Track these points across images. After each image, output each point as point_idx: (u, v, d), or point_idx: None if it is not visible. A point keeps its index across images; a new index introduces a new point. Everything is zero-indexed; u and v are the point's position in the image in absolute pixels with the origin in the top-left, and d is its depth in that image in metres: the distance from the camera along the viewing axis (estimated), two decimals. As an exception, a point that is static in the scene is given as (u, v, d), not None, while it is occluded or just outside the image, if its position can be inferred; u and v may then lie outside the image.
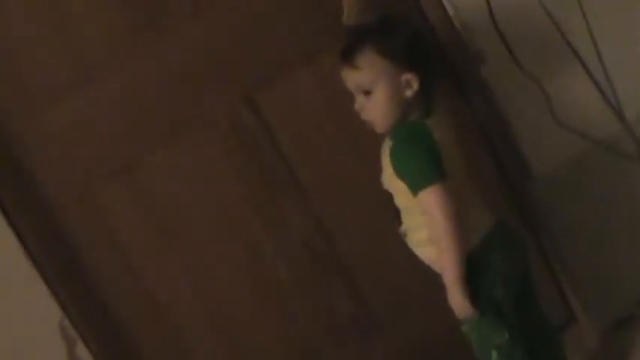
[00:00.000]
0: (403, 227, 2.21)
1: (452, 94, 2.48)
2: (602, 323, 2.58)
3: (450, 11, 2.45)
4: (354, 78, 2.15)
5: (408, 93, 2.13)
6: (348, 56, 2.16)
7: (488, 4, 2.42)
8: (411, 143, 2.12)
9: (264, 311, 2.57)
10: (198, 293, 2.54)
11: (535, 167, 2.51)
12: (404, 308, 2.52)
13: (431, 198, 2.08)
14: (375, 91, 2.14)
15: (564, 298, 2.64)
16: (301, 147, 2.51)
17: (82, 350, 2.44)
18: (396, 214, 2.21)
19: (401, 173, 2.13)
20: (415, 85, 2.12)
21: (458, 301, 2.12)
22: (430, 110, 2.16)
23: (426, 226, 2.13)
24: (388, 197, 2.21)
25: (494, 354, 2.20)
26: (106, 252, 2.49)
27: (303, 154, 2.51)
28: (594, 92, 2.47)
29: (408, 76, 2.13)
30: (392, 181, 2.16)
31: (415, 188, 2.10)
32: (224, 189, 2.50)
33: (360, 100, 2.17)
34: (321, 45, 2.43)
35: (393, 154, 2.14)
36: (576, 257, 2.55)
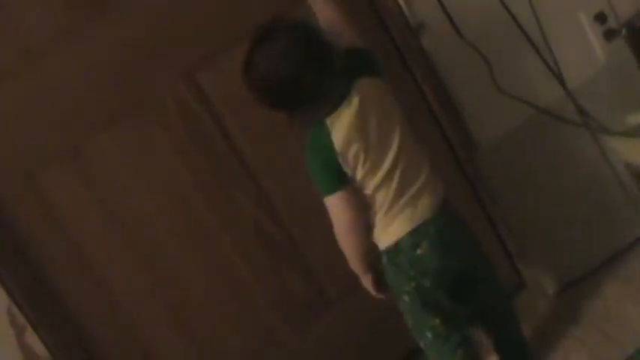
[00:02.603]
0: None
1: (393, 67, 2.42)
2: (551, 289, 2.55)
3: (392, -18, 2.38)
4: None
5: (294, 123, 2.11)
6: None
7: (429, -26, 2.36)
8: (312, 154, 2.09)
9: (220, 297, 2.52)
10: (151, 280, 2.47)
11: (479, 136, 2.45)
12: (355, 287, 2.48)
13: (328, 207, 2.11)
14: None
15: (513, 265, 2.61)
16: (247, 128, 2.43)
17: (31, 336, 2.37)
18: None
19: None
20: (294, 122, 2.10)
21: (368, 289, 2.21)
22: (338, 102, 2.05)
23: None
24: None
25: (429, 335, 2.17)
26: (53, 238, 2.42)
27: (249, 135, 2.44)
28: (536, 60, 2.41)
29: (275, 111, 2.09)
30: None
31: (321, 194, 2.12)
32: (171, 173, 2.43)
33: None
34: (261, 20, 2.36)
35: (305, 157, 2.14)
36: (524, 223, 2.51)
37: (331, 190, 2.08)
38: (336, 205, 2.09)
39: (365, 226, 2.11)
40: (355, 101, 2.05)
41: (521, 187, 2.48)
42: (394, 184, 2.08)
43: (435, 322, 2.15)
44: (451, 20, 2.38)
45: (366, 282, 2.20)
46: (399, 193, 2.09)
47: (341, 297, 2.55)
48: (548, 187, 2.49)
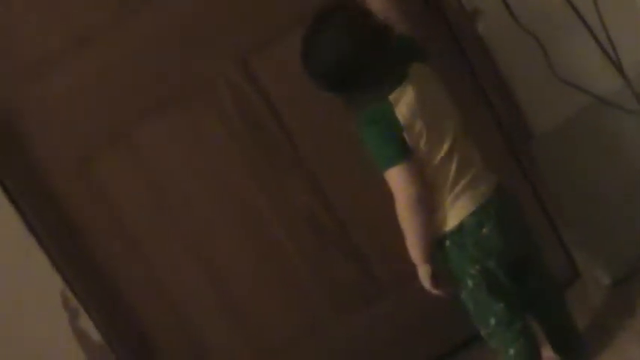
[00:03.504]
0: None
1: (449, 53, 2.38)
2: (606, 280, 2.48)
3: (446, -32, 2.33)
4: None
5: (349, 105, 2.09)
6: None
7: (485, -40, 2.31)
8: (373, 124, 2.06)
9: (269, 284, 2.50)
10: (201, 267, 2.46)
11: (535, 124, 2.40)
12: (407, 276, 2.45)
13: (394, 180, 2.06)
14: None
15: (568, 255, 2.55)
16: (301, 114, 2.40)
17: (85, 321, 2.37)
18: None
19: (368, 152, 2.08)
20: (341, 100, 2.08)
21: (421, 279, 2.14)
22: (400, 80, 2.05)
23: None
24: None
25: (492, 320, 2.15)
26: (106, 222, 2.42)
27: (302, 121, 2.41)
28: (594, 47, 2.35)
29: (326, 93, 2.07)
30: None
31: (380, 169, 2.07)
32: (223, 159, 2.41)
33: None
34: (316, 7, 2.32)
35: (360, 133, 2.09)
36: (579, 214, 2.44)
37: (397, 160, 2.03)
38: (402, 177, 2.04)
39: (431, 205, 2.07)
40: (415, 81, 2.05)
41: (577, 177, 2.42)
42: (454, 166, 2.07)
43: (499, 307, 2.14)
44: (507, 5, 2.32)
45: (425, 273, 2.12)
46: (459, 175, 2.08)
47: (393, 287, 2.51)
48: (605, 177, 2.42)
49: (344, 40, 2.02)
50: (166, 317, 2.48)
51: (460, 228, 2.09)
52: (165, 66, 2.35)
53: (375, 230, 2.47)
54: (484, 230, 2.10)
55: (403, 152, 2.03)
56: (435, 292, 2.14)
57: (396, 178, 2.04)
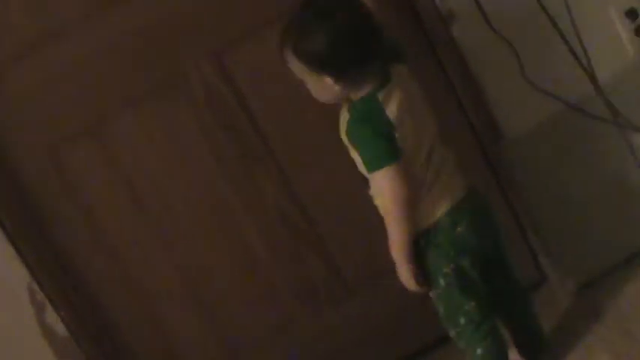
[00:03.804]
0: (371, 191, 2.13)
1: (422, 55, 2.38)
2: (573, 284, 2.49)
3: (422, -30, 2.33)
4: (290, 68, 2.08)
5: (336, 88, 2.03)
6: (280, 50, 2.06)
7: (461, -37, 2.31)
8: (362, 124, 2.04)
9: (240, 281, 2.48)
10: (172, 261, 2.44)
11: (506, 128, 2.40)
12: (376, 275, 2.46)
13: (382, 180, 2.04)
14: (305, 81, 2.07)
15: (535, 259, 2.56)
16: (274, 112, 2.39)
17: (51, 316, 2.33)
18: (363, 179, 2.13)
19: (356, 151, 2.06)
20: (336, 88, 2.02)
21: (404, 278, 2.13)
22: (387, 78, 2.04)
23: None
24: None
25: (462, 320, 2.16)
26: (74, 215, 2.39)
27: (275, 120, 2.40)
28: (566, 54, 2.35)
29: (327, 80, 2.02)
30: (350, 151, 2.10)
31: (368, 168, 2.06)
32: (195, 154, 2.39)
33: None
34: (291, 4, 2.30)
35: (348, 131, 2.07)
36: (548, 218, 2.46)
37: (390, 160, 2.01)
38: (393, 177, 2.02)
39: (416, 204, 2.07)
40: (400, 82, 2.05)
41: (546, 181, 2.43)
42: (432, 167, 2.08)
43: (470, 306, 2.15)
44: (481, 10, 2.33)
45: (407, 272, 2.11)
46: (436, 176, 2.09)
47: (362, 285, 2.51)
48: (573, 183, 2.43)
49: (350, 15, 2.00)
50: (135, 312, 2.45)
51: (436, 226, 2.10)
52: (139, 60, 2.33)
53: (345, 229, 2.47)
54: (458, 229, 2.11)
55: (394, 152, 2.01)
56: (417, 290, 2.14)
57: (387, 178, 2.03)
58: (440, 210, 2.10)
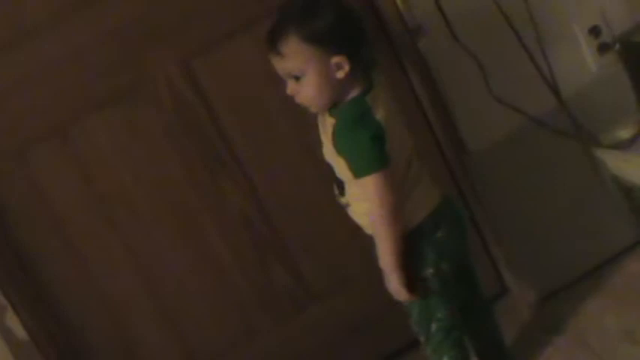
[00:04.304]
0: (345, 198, 2.10)
1: (389, 68, 2.37)
2: (533, 295, 2.51)
3: (390, -17, 2.33)
4: (281, 65, 2.00)
5: (340, 75, 1.98)
6: (272, 43, 1.99)
7: (429, -23, 2.32)
8: (354, 127, 1.98)
9: (202, 288, 2.46)
10: (134, 265, 2.41)
11: (471, 141, 2.41)
12: (340, 282, 2.45)
13: (371, 186, 1.98)
14: (304, 76, 1.98)
15: (497, 270, 2.56)
16: (240, 119, 2.38)
17: (11, 319, 2.29)
18: (338, 185, 2.10)
19: (343, 155, 2.00)
20: (346, 67, 1.97)
21: (394, 287, 2.07)
22: (370, 85, 2.02)
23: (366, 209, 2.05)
24: (329, 169, 2.09)
25: (433, 326, 2.14)
26: (38, 216, 2.35)
27: (241, 126, 2.38)
28: (531, 68, 2.38)
29: (336, 59, 1.97)
30: (333, 156, 2.03)
31: (356, 174, 2.00)
32: (160, 159, 2.37)
33: (290, 85, 2.01)
34: (260, 13, 2.27)
35: (335, 135, 2.00)
36: (510, 230, 2.47)
37: (381, 165, 1.96)
38: (383, 183, 1.97)
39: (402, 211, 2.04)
40: (382, 87, 2.03)
41: (510, 194, 2.44)
42: (412, 172, 2.06)
43: (443, 313, 2.13)
44: (448, 24, 2.35)
45: (398, 280, 2.06)
46: (416, 181, 2.07)
47: (325, 293, 2.50)
48: (536, 196, 2.45)
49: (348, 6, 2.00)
50: (97, 317, 2.42)
51: (418, 230, 2.07)
52: (107, 64, 2.31)
53: (309, 236, 2.46)
54: (439, 233, 2.09)
55: (384, 158, 1.97)
56: (407, 299, 2.09)
57: (377, 185, 1.98)
58: (421, 214, 2.07)
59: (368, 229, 2.10)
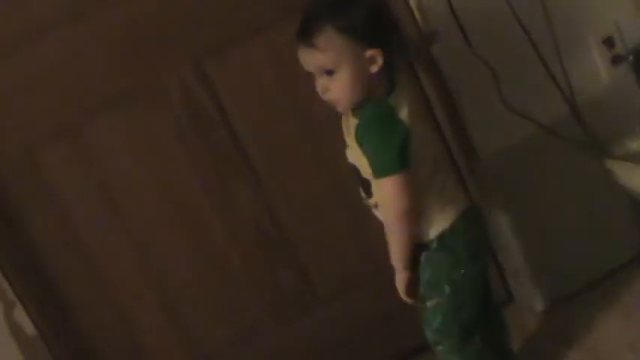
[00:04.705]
0: (373, 199, 2.07)
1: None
2: (540, 305, 2.50)
3: (405, -11, 2.32)
4: (314, 59, 1.96)
5: (374, 69, 1.96)
6: (306, 36, 1.95)
7: (444, -17, 2.30)
8: (378, 127, 1.97)
9: (209, 288, 2.45)
10: (142, 264, 2.41)
11: (482, 148, 2.40)
12: (347, 285, 2.45)
13: (388, 188, 1.97)
14: (339, 71, 1.95)
15: (503, 279, 2.56)
16: (251, 121, 2.36)
17: (19, 314, 2.29)
18: (364, 187, 2.08)
19: (366, 155, 1.98)
20: (380, 61, 1.95)
21: (399, 286, 2.08)
22: (393, 84, 2.00)
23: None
24: (353, 170, 2.07)
25: (457, 329, 2.12)
26: (48, 215, 2.34)
27: (252, 129, 2.37)
28: (544, 76, 2.35)
29: (371, 52, 1.95)
30: (359, 157, 2.02)
31: (376, 174, 1.99)
32: (171, 160, 2.36)
33: (321, 81, 1.98)
34: (273, 16, 2.28)
35: (359, 135, 1.98)
36: (517, 238, 2.46)
37: (402, 167, 1.94)
38: (402, 184, 1.95)
39: (418, 216, 2.03)
40: (404, 88, 2.02)
41: (519, 202, 2.43)
42: (440, 174, 2.05)
43: (470, 315, 2.11)
44: (462, 30, 2.33)
45: (403, 279, 2.07)
46: (445, 182, 2.07)
47: (332, 297, 2.49)
48: (546, 203, 2.44)
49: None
50: (104, 314, 2.42)
51: (451, 230, 2.05)
52: (118, 64, 2.29)
53: (317, 239, 2.45)
54: (470, 234, 2.08)
55: (405, 159, 1.95)
56: (408, 299, 2.10)
57: (394, 187, 1.96)
58: (454, 213, 2.06)
59: None
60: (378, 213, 2.09)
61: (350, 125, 2.04)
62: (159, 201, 2.39)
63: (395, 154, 1.95)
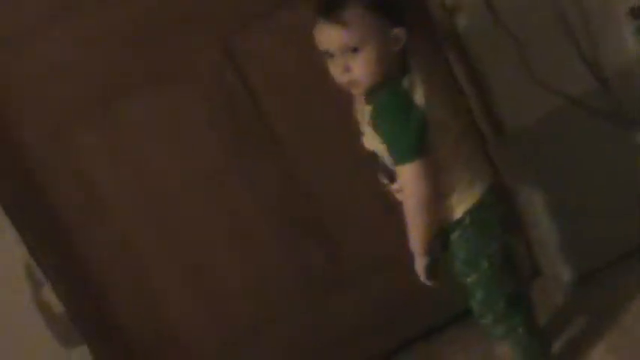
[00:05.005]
0: (398, 184, 2.03)
1: (425, 48, 2.34)
2: (568, 277, 2.48)
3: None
4: (339, 36, 1.89)
5: (397, 48, 1.93)
6: (333, 11, 1.88)
7: (469, -45, 2.27)
8: (393, 113, 1.94)
9: (239, 262, 2.44)
10: (173, 245, 2.40)
11: (509, 122, 2.37)
12: (376, 265, 2.43)
13: (407, 175, 1.95)
14: (364, 49, 1.90)
15: (530, 252, 2.54)
16: (277, 98, 2.34)
17: (47, 293, 2.28)
18: (386, 173, 2.04)
19: (384, 142, 1.96)
20: (403, 40, 1.92)
21: (420, 272, 2.07)
22: (407, 66, 1.96)
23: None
24: (371, 158, 2.05)
25: (501, 303, 2.11)
26: (77, 195, 2.32)
27: (280, 105, 2.34)
28: (572, 49, 2.33)
29: (397, 31, 1.92)
30: (378, 144, 1.99)
31: (396, 160, 1.97)
32: (199, 140, 2.34)
33: (341, 61, 1.92)
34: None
35: (374, 122, 1.96)
36: (546, 213, 2.44)
37: (419, 154, 1.92)
38: (418, 173, 1.94)
39: (439, 201, 2.01)
40: (419, 69, 1.98)
41: (548, 176, 2.41)
42: (465, 149, 2.03)
43: (511, 286, 2.11)
44: (488, 4, 2.31)
45: (423, 264, 2.05)
46: (471, 156, 2.05)
47: (362, 277, 2.47)
48: (573, 177, 2.41)
49: None
50: (133, 292, 2.41)
51: (481, 203, 2.04)
52: (146, 43, 2.26)
53: (347, 218, 2.43)
54: (499, 208, 2.08)
55: (422, 145, 1.93)
56: (429, 282, 2.08)
57: (412, 174, 1.95)
58: (483, 185, 2.05)
59: None
60: (402, 197, 2.06)
61: (364, 112, 2.00)
62: (189, 179, 2.37)
63: (412, 140, 1.93)
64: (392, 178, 2.04)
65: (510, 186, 2.44)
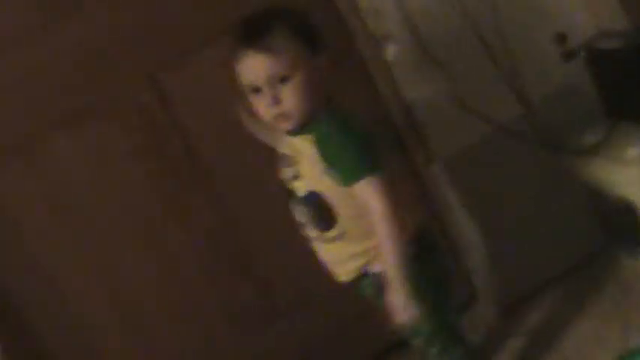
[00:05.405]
0: (338, 227, 1.91)
1: (355, 78, 2.36)
2: (501, 302, 2.49)
3: (357, -6, 2.30)
4: (267, 64, 1.79)
5: (326, 75, 1.85)
6: (257, 38, 1.79)
7: (395, -14, 2.29)
8: (342, 134, 1.83)
9: (168, 299, 2.41)
10: (102, 280, 2.37)
11: (438, 150, 2.39)
12: (305, 299, 2.42)
13: (369, 188, 1.82)
14: (293, 77, 1.81)
15: (466, 277, 2.54)
16: (205, 134, 2.33)
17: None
18: (321, 220, 1.93)
19: (334, 164, 1.84)
20: (332, 67, 1.84)
21: (404, 300, 1.86)
22: (332, 96, 1.90)
23: (362, 219, 1.87)
24: (289, 194, 1.98)
25: (445, 332, 2.01)
26: (3, 232, 2.30)
27: (209, 141, 2.34)
28: (498, 76, 2.36)
29: (324, 57, 1.85)
30: (319, 179, 1.87)
31: (351, 178, 1.83)
32: (127, 175, 2.32)
33: (271, 93, 1.82)
34: (224, 27, 2.25)
35: (321, 147, 1.84)
36: (477, 238, 2.45)
37: (377, 170, 1.81)
38: (382, 186, 1.81)
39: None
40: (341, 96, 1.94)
41: (478, 201, 2.42)
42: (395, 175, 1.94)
43: (449, 314, 2.04)
44: (415, 34, 2.32)
45: (407, 294, 1.85)
46: (402, 185, 1.96)
47: (292, 310, 2.46)
48: (504, 202, 2.42)
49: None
50: (66, 329, 2.38)
51: (422, 237, 1.95)
52: (74, 80, 2.26)
53: (275, 252, 2.41)
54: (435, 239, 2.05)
55: (377, 160, 1.83)
56: (412, 316, 1.88)
57: (375, 185, 1.81)
58: (420, 213, 2.01)
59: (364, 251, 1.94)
60: (347, 239, 1.93)
61: (298, 149, 1.91)
62: (117, 215, 2.35)
63: (366, 155, 1.83)
64: (330, 223, 1.92)
65: (442, 212, 2.45)
